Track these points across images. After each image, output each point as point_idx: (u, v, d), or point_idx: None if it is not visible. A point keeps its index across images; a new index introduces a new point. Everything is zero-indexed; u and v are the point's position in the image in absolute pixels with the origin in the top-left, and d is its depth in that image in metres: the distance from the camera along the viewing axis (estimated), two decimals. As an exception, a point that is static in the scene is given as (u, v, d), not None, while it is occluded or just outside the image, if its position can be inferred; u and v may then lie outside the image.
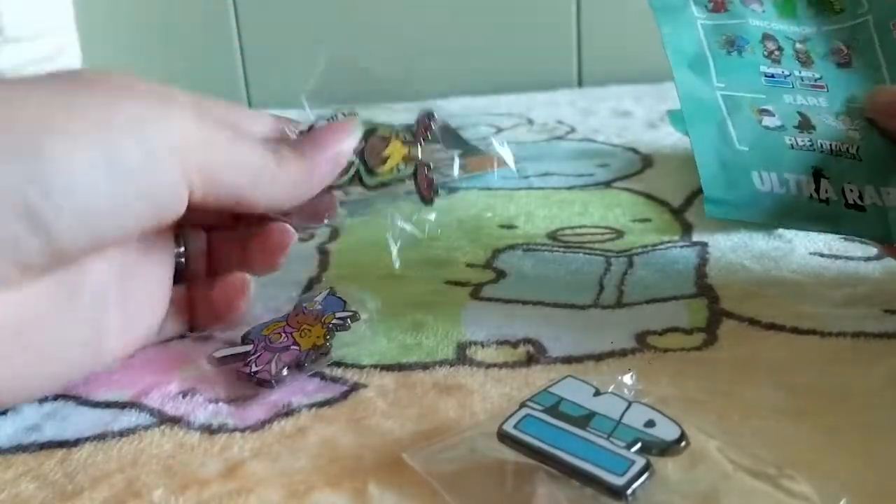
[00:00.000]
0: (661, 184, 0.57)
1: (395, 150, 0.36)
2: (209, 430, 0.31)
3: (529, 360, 0.34)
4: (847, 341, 0.34)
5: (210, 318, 0.37)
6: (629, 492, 0.23)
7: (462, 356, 0.35)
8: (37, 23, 0.91)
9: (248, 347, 0.34)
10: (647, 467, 0.24)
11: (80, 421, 0.31)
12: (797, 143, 0.37)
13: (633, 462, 0.24)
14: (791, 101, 0.39)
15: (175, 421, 0.31)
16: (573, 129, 0.75)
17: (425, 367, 0.34)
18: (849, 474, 0.26)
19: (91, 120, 0.27)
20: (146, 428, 0.31)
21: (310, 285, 0.44)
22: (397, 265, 0.36)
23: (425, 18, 0.99)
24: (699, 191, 0.40)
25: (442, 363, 0.34)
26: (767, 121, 0.38)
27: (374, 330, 0.36)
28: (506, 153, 0.38)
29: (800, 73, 0.40)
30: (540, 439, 0.25)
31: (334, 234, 0.51)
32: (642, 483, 0.24)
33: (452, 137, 0.71)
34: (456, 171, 0.38)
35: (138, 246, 0.33)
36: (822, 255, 0.43)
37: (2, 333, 0.27)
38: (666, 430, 0.25)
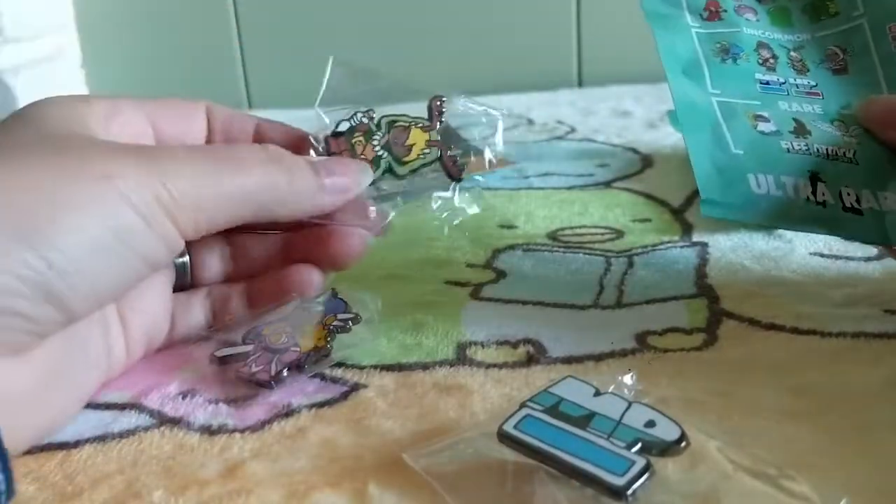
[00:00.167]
0: (661, 184, 0.57)
1: (417, 137, 0.38)
2: (209, 430, 0.31)
3: (529, 361, 0.34)
4: (847, 341, 0.34)
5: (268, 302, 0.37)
6: (629, 492, 0.23)
7: (462, 356, 0.35)
8: (37, 23, 0.91)
9: (249, 348, 0.34)
10: (647, 467, 0.24)
11: (80, 422, 0.31)
12: (793, 148, 0.37)
13: (633, 462, 0.24)
14: (786, 108, 0.39)
15: (175, 422, 0.31)
16: (573, 129, 0.75)
17: (425, 367, 0.34)
18: (849, 474, 0.26)
19: (92, 196, 0.28)
20: (146, 429, 0.31)
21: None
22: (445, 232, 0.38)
23: (425, 18, 0.99)
24: (699, 191, 0.40)
25: (442, 363, 0.34)
26: (763, 126, 0.38)
27: (374, 332, 0.36)
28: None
29: (795, 80, 0.40)
30: (540, 439, 0.25)
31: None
32: (642, 483, 0.24)
33: (452, 137, 0.71)
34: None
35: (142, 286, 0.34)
36: (822, 256, 0.43)
37: (18, 398, 0.28)
38: (666, 431, 0.25)
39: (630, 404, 0.26)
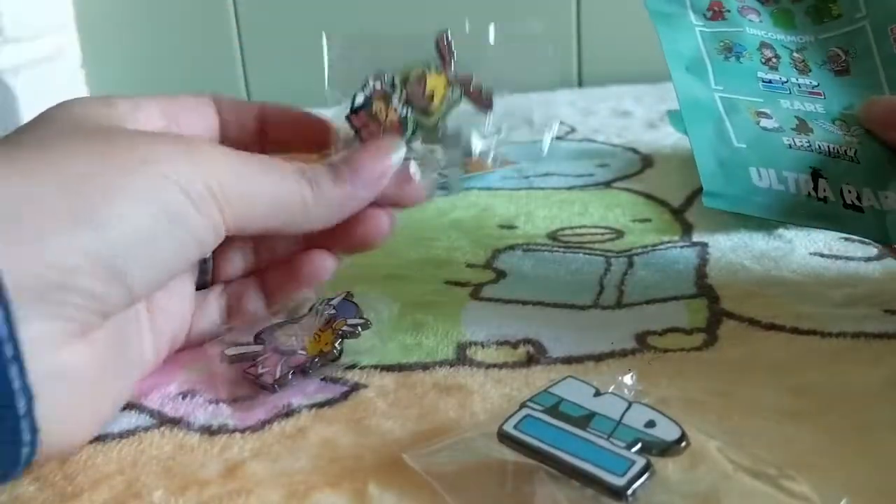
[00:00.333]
0: (661, 184, 0.57)
1: (436, 83, 0.36)
2: (209, 430, 0.31)
3: (529, 361, 0.34)
4: (847, 341, 0.34)
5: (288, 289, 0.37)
6: (629, 492, 0.23)
7: (462, 356, 0.35)
8: (37, 23, 0.91)
9: (259, 348, 0.34)
10: (647, 467, 0.24)
11: (80, 421, 0.31)
12: (795, 144, 0.37)
13: (633, 462, 0.24)
14: (788, 106, 0.39)
15: (175, 422, 0.31)
16: (573, 129, 0.75)
17: (425, 367, 0.34)
18: (849, 474, 0.26)
19: (140, 178, 0.29)
20: (146, 429, 0.31)
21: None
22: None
23: (425, 19, 0.99)
24: (699, 191, 0.40)
25: (442, 363, 0.34)
26: (765, 122, 0.38)
27: (384, 339, 0.35)
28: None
29: (797, 80, 0.40)
30: (540, 440, 0.25)
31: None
32: (643, 483, 0.24)
33: (452, 137, 0.71)
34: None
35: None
36: (822, 256, 0.43)
37: (83, 379, 0.28)
38: (666, 431, 0.25)
39: (630, 404, 0.26)
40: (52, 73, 0.92)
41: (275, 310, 0.37)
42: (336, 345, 0.34)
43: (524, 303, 0.40)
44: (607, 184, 0.58)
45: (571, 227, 0.50)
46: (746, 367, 0.33)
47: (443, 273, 0.44)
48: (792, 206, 0.36)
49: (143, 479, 0.28)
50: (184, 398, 0.33)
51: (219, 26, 0.99)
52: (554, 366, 0.34)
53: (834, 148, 0.37)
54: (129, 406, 0.32)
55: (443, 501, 0.25)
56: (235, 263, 0.38)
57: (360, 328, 0.35)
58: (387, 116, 0.36)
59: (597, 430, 0.25)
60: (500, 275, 0.43)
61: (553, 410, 0.26)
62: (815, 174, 0.37)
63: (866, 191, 0.36)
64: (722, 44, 0.41)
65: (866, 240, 0.42)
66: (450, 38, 0.37)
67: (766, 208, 0.36)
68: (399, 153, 0.35)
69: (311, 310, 0.36)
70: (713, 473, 0.25)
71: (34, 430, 0.25)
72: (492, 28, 0.37)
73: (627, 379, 0.28)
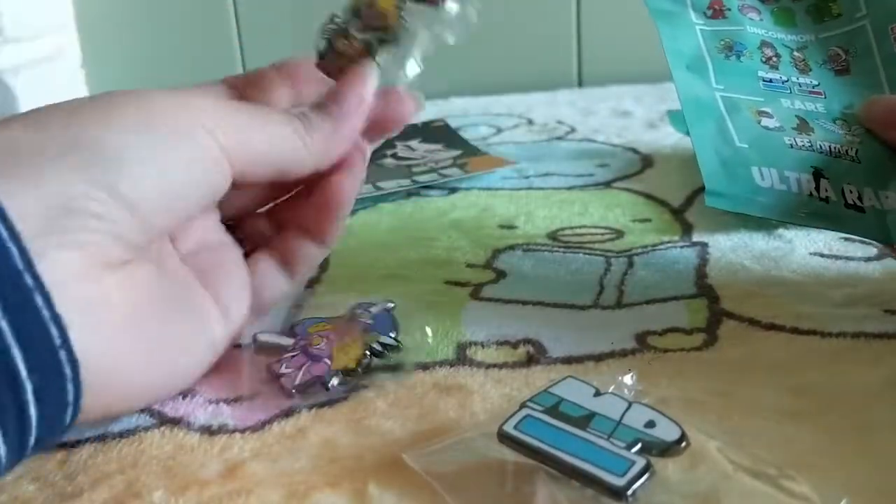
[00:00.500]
0: (661, 184, 0.57)
1: (384, 2, 0.36)
2: (209, 430, 0.31)
3: (529, 361, 0.34)
4: (847, 341, 0.34)
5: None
6: (629, 492, 0.23)
7: (462, 356, 0.35)
8: (37, 23, 0.91)
9: (290, 342, 0.34)
10: (647, 468, 0.24)
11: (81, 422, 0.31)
12: (796, 144, 0.37)
13: (633, 462, 0.24)
14: (789, 106, 0.39)
15: (175, 422, 0.31)
16: (573, 129, 0.75)
17: (425, 367, 0.34)
18: (849, 474, 0.26)
19: (135, 116, 0.30)
20: (146, 429, 0.31)
21: (309, 285, 0.43)
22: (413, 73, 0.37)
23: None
24: (699, 191, 0.40)
25: (442, 363, 0.34)
26: (766, 122, 0.38)
27: (408, 363, 0.34)
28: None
29: (797, 79, 0.40)
30: (540, 440, 0.25)
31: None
32: (643, 483, 0.24)
33: (452, 137, 0.71)
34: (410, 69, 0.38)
35: (206, 254, 0.35)
36: (822, 256, 0.43)
37: (118, 314, 0.28)
38: (666, 431, 0.25)
39: (630, 404, 0.26)
40: (52, 73, 0.92)
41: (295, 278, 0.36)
42: (361, 362, 0.33)
43: (524, 303, 0.40)
44: (607, 184, 0.58)
45: (571, 227, 0.50)
46: (746, 367, 0.33)
47: (443, 273, 0.44)
48: (794, 205, 0.36)
49: (143, 478, 0.28)
50: (184, 398, 0.33)
51: (219, 26, 0.99)
52: (554, 366, 0.34)
53: (835, 148, 0.37)
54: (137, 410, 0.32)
55: (443, 501, 0.25)
56: (257, 229, 0.38)
57: (388, 350, 0.34)
58: (352, 50, 0.36)
59: (597, 430, 0.25)
60: (500, 275, 0.43)
61: (553, 410, 0.26)
62: (817, 174, 0.37)
63: (867, 190, 0.36)
64: (722, 42, 0.41)
65: (867, 240, 0.42)
66: None
67: (768, 208, 0.36)
68: (373, 75, 0.36)
69: (349, 310, 0.35)
70: (713, 473, 0.25)
71: (74, 363, 0.25)
72: None
73: (627, 379, 0.28)
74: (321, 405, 0.32)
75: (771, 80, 0.40)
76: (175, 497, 0.27)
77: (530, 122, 0.80)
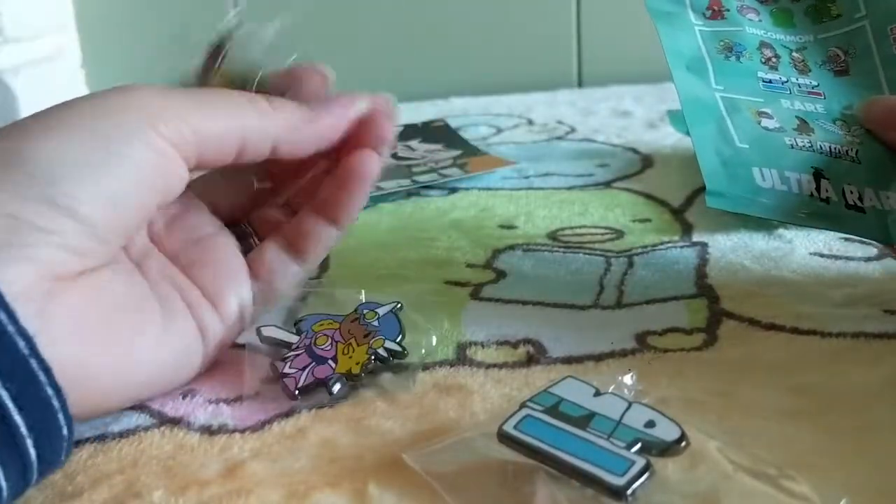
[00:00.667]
0: (661, 184, 0.57)
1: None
2: (209, 430, 0.31)
3: (529, 361, 0.34)
4: (847, 341, 0.34)
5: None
6: (629, 492, 0.23)
7: (462, 356, 0.35)
8: (37, 23, 0.91)
9: (294, 339, 0.34)
10: (647, 467, 0.24)
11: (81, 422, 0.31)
12: (797, 144, 0.37)
13: (633, 462, 0.24)
14: (789, 106, 0.39)
15: (175, 422, 0.31)
16: (573, 129, 0.75)
17: (425, 367, 0.34)
18: (849, 474, 0.26)
19: (77, 122, 0.29)
20: (146, 429, 0.31)
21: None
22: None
23: (425, 19, 0.99)
24: (699, 191, 0.40)
25: (442, 363, 0.34)
26: (766, 122, 0.38)
27: (413, 369, 0.34)
28: None
29: (797, 80, 0.40)
30: (540, 440, 0.25)
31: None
32: (642, 483, 0.24)
33: (452, 137, 0.71)
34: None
35: (197, 247, 0.35)
36: (822, 256, 0.43)
37: (83, 315, 0.28)
38: (666, 431, 0.25)
39: (630, 404, 0.26)
40: (52, 73, 0.92)
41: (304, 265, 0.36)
42: (364, 368, 0.33)
43: (524, 303, 0.40)
44: (607, 184, 0.58)
45: (571, 227, 0.50)
46: (746, 367, 0.33)
47: (443, 273, 0.44)
48: (795, 206, 0.36)
49: (143, 478, 0.28)
50: (184, 398, 0.33)
51: (219, 26, 0.99)
52: (554, 366, 0.34)
53: (835, 148, 0.37)
54: (130, 406, 0.32)
55: (443, 501, 0.25)
56: (272, 219, 0.38)
57: (393, 358, 0.33)
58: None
59: (597, 430, 0.25)
60: (500, 275, 0.43)
61: (553, 410, 0.26)
62: (818, 174, 0.37)
63: (868, 191, 0.36)
64: (722, 43, 0.41)
65: (868, 240, 0.42)
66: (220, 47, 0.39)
67: (769, 209, 0.36)
68: (363, 103, 0.36)
69: (355, 311, 0.35)
70: (713, 473, 0.25)
71: (46, 370, 0.25)
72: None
73: (627, 379, 0.28)
74: (321, 405, 0.32)
75: (771, 81, 0.40)
76: (175, 497, 0.27)
77: (530, 122, 0.80)
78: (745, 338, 0.35)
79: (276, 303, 0.36)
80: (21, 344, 0.25)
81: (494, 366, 0.34)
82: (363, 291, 0.36)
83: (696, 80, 0.39)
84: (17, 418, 0.24)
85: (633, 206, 0.53)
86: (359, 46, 0.98)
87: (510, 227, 0.51)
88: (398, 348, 0.34)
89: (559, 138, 0.73)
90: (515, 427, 0.26)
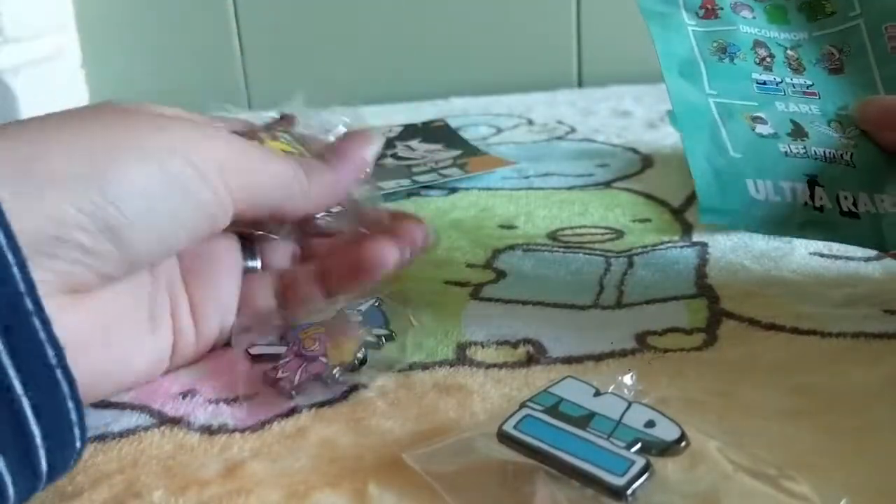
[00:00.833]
0: (661, 184, 0.57)
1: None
2: (209, 430, 0.31)
3: (529, 361, 0.34)
4: (847, 341, 0.34)
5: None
6: (629, 492, 0.23)
7: (462, 356, 0.35)
8: (37, 23, 0.91)
9: (282, 349, 0.34)
10: (647, 467, 0.24)
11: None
12: (791, 151, 0.37)
13: (633, 462, 0.24)
14: (783, 109, 0.39)
15: (175, 421, 0.31)
16: (573, 129, 0.75)
17: (425, 367, 0.34)
18: (849, 474, 0.26)
19: (149, 144, 0.30)
20: (146, 429, 0.31)
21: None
22: None
23: (425, 18, 0.99)
24: (698, 199, 0.40)
25: (442, 363, 0.34)
26: (760, 128, 0.38)
27: (406, 353, 0.35)
28: None
29: (791, 79, 0.40)
30: (540, 439, 0.25)
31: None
32: (642, 483, 0.24)
33: (452, 137, 0.71)
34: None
35: (204, 259, 0.35)
36: (822, 256, 0.43)
37: (87, 332, 0.29)
38: (666, 431, 0.25)
39: (630, 404, 0.26)
40: (52, 73, 0.92)
41: (330, 301, 0.36)
42: (357, 355, 0.33)
43: (524, 303, 0.40)
44: (607, 184, 0.58)
45: (571, 227, 0.50)
46: (746, 367, 0.33)
47: (443, 273, 0.44)
48: (789, 216, 0.36)
49: (143, 478, 0.28)
50: (184, 398, 0.33)
51: (219, 26, 0.99)
52: (554, 366, 0.34)
53: (830, 153, 0.37)
54: (130, 405, 0.32)
55: (443, 501, 0.25)
56: (280, 252, 0.39)
57: (383, 339, 0.34)
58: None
59: (596, 430, 0.25)
60: (500, 275, 0.43)
61: (553, 410, 0.26)
62: (812, 182, 0.36)
63: (862, 195, 0.36)
64: (715, 44, 0.40)
65: (863, 248, 0.42)
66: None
67: (763, 223, 0.36)
68: (377, 143, 0.39)
69: (338, 312, 0.35)
70: (713, 473, 0.25)
71: (71, 382, 0.25)
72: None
73: (627, 379, 0.28)
74: (321, 405, 0.32)
75: (765, 83, 0.40)
76: (175, 497, 0.27)
77: (530, 122, 0.80)
78: (745, 338, 0.35)
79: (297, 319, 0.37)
80: (50, 353, 0.25)
81: (494, 366, 0.34)
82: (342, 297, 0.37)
83: (690, 84, 0.39)
84: (35, 429, 0.24)
85: (633, 206, 0.53)
86: (359, 46, 0.98)
87: (510, 227, 0.51)
88: (385, 332, 0.34)
89: (559, 138, 0.73)
90: (515, 427, 0.26)
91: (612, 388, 0.28)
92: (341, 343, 0.33)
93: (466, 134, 0.73)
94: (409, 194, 0.58)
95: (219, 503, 0.26)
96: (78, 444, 0.26)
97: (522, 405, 0.27)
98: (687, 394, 0.31)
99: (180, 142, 0.31)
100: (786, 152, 0.37)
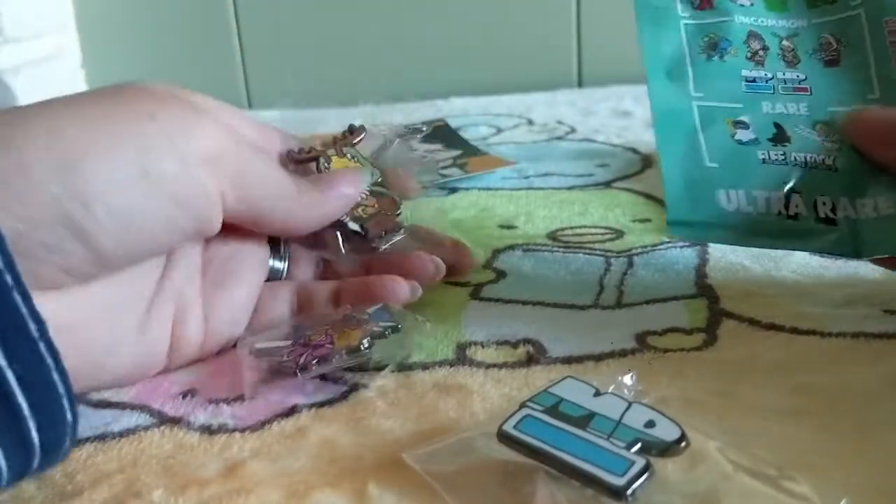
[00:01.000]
0: (661, 184, 0.57)
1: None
2: (209, 430, 0.31)
3: (529, 361, 0.34)
4: (847, 341, 0.34)
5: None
6: (629, 492, 0.23)
7: (462, 356, 0.35)
8: (37, 23, 0.91)
9: (288, 342, 0.34)
10: (647, 468, 0.24)
11: (80, 421, 0.31)
12: (769, 157, 0.37)
13: (633, 462, 0.24)
14: (769, 110, 0.38)
15: (175, 421, 0.31)
16: (573, 129, 0.75)
17: (425, 367, 0.34)
18: (849, 474, 0.26)
19: (128, 135, 0.28)
20: (146, 428, 0.31)
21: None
22: None
23: (425, 18, 0.99)
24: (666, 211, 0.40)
25: (442, 363, 0.34)
26: (741, 134, 0.38)
27: (407, 347, 0.35)
28: None
29: (783, 74, 0.39)
30: (540, 440, 0.25)
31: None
32: (642, 483, 0.24)
33: (452, 137, 0.71)
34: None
35: (228, 255, 0.35)
36: (822, 256, 0.43)
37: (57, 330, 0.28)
38: (666, 431, 0.25)
39: (630, 404, 0.26)
40: (52, 73, 0.92)
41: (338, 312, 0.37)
42: (364, 342, 0.33)
43: (524, 303, 0.40)
44: (607, 184, 0.58)
45: (571, 227, 0.50)
46: (746, 367, 0.33)
47: (443, 273, 0.44)
48: (760, 227, 0.36)
49: (143, 478, 0.28)
50: (184, 398, 0.33)
51: (219, 26, 0.99)
52: (554, 366, 0.34)
53: (811, 158, 0.37)
54: (130, 405, 0.32)
55: (443, 501, 0.25)
56: (305, 267, 0.39)
57: (389, 331, 0.34)
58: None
59: (596, 430, 0.25)
60: (500, 275, 0.43)
61: (553, 410, 0.26)
62: (789, 191, 0.36)
63: (843, 200, 0.36)
64: (707, 39, 0.40)
65: (838, 257, 0.41)
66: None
67: (731, 235, 0.36)
68: (363, 183, 0.38)
69: (344, 316, 0.35)
70: (713, 473, 0.25)
71: (55, 355, 0.25)
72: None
73: (627, 379, 0.28)
74: (321, 405, 0.32)
75: (755, 80, 0.39)
76: (175, 496, 0.27)
77: (530, 122, 0.80)
78: (745, 338, 0.35)
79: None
80: (32, 326, 0.25)
81: (494, 366, 0.34)
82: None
83: (675, 86, 0.39)
84: (21, 399, 0.24)
85: (633, 206, 0.53)
86: (359, 46, 0.98)
87: (510, 227, 0.51)
88: (390, 324, 0.34)
89: (559, 138, 0.73)
90: (515, 427, 0.26)
91: (612, 388, 0.28)
92: (348, 333, 0.34)
93: (466, 134, 0.73)
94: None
95: (219, 503, 0.26)
96: (69, 417, 0.25)
97: (522, 405, 0.27)
98: (687, 394, 0.31)
99: (169, 133, 0.29)
100: (764, 159, 0.37)
